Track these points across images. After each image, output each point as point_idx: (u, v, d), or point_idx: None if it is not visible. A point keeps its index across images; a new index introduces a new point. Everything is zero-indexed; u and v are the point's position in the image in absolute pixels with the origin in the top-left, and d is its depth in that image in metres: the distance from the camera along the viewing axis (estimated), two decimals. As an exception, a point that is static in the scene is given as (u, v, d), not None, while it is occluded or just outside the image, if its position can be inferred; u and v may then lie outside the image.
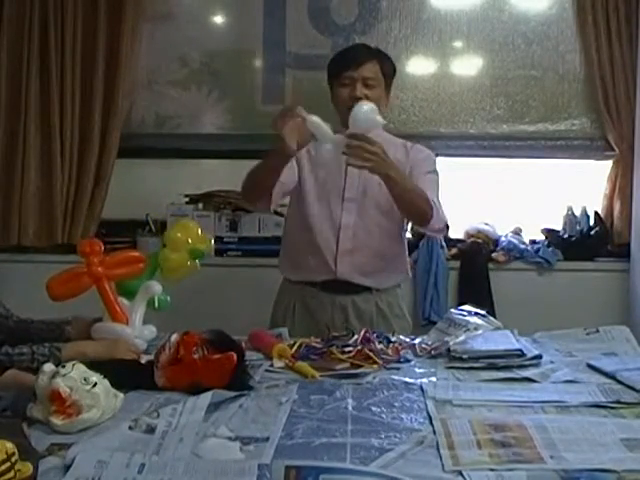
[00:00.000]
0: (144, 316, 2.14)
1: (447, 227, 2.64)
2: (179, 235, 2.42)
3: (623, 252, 3.47)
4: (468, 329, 2.06)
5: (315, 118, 2.06)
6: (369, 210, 2.41)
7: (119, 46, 3.46)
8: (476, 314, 2.17)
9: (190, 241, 2.43)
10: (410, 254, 3.43)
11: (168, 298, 2.29)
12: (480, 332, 2.06)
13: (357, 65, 2.40)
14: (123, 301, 2.16)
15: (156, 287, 2.18)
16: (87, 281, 2.10)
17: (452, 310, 2.29)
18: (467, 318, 2.13)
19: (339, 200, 2.41)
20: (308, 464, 1.23)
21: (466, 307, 2.26)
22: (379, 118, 2.12)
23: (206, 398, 1.53)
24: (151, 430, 1.40)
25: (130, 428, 1.41)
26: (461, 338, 2.03)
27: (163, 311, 2.25)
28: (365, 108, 2.11)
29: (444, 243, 3.50)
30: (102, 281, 2.09)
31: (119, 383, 1.56)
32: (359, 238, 2.41)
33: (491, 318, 2.16)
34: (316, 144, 2.13)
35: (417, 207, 2.30)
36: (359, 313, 2.43)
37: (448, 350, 1.99)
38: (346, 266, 2.41)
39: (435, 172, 2.48)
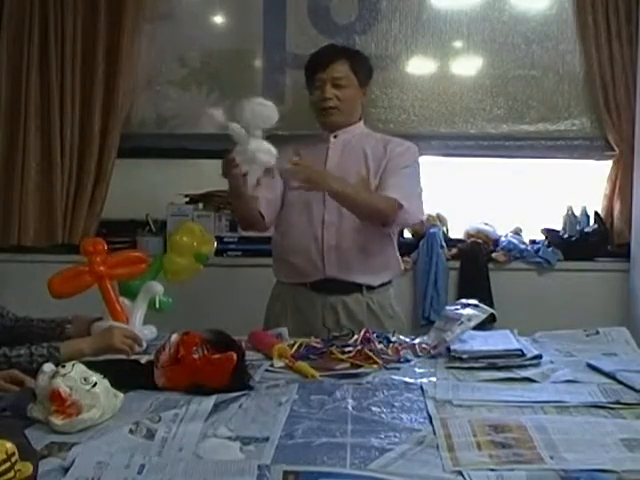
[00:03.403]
0: (145, 317, 2.15)
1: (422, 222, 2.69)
2: (185, 239, 2.42)
3: (623, 252, 3.47)
4: (462, 322, 2.06)
5: (234, 125, 2.12)
6: None
7: (119, 46, 3.45)
8: (468, 305, 2.17)
9: (195, 244, 2.43)
10: (410, 254, 3.45)
11: (170, 300, 2.29)
12: (473, 323, 2.07)
13: (325, 66, 2.41)
14: (124, 301, 2.16)
15: (157, 287, 2.19)
16: (89, 280, 2.10)
17: (446, 307, 2.30)
18: (460, 311, 2.14)
19: (320, 198, 2.42)
20: (307, 469, 1.23)
21: (459, 301, 2.27)
22: (266, 111, 2.14)
23: (208, 405, 1.53)
24: (151, 436, 1.39)
25: (131, 431, 1.40)
26: (457, 332, 2.03)
27: (164, 312, 2.25)
28: (246, 109, 2.13)
29: (444, 243, 3.50)
30: (104, 280, 2.10)
31: (119, 383, 1.56)
32: (343, 234, 2.41)
33: (483, 306, 2.16)
34: (236, 147, 2.17)
35: (373, 212, 2.38)
36: (350, 314, 2.44)
37: (448, 350, 1.99)
38: (333, 263, 2.41)
39: (412, 166, 2.48)
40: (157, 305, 2.21)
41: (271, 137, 2.16)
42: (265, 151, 2.13)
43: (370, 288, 2.47)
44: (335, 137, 2.47)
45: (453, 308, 2.19)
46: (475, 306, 2.16)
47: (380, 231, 2.46)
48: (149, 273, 2.32)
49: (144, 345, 2.01)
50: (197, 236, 2.45)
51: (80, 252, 2.19)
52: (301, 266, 2.45)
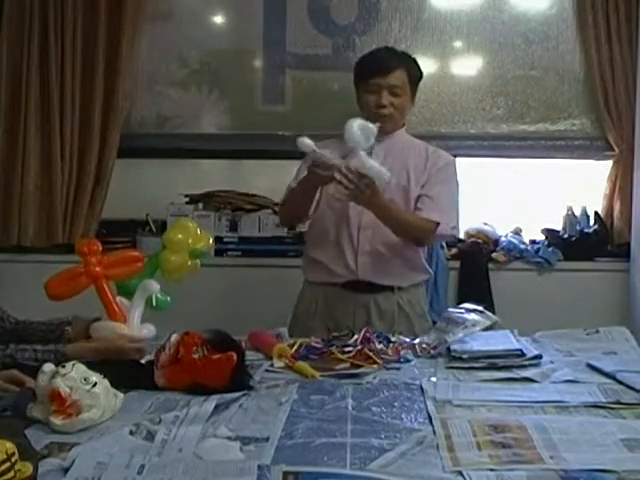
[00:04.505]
0: (144, 316, 2.14)
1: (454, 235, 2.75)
2: (179, 236, 2.41)
3: (623, 252, 3.47)
4: (466, 326, 2.06)
5: (320, 153, 2.19)
6: None
7: (119, 46, 3.45)
8: (473, 311, 2.17)
9: (190, 241, 2.43)
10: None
11: (168, 298, 2.29)
12: (477, 329, 2.07)
13: (385, 73, 2.41)
14: (123, 301, 2.15)
15: (154, 286, 2.18)
16: (85, 281, 2.09)
17: (450, 309, 2.30)
18: (465, 315, 2.13)
19: None
20: (306, 469, 1.23)
21: (464, 305, 2.26)
22: (372, 126, 2.19)
23: (208, 407, 1.53)
24: (151, 437, 1.39)
25: (131, 433, 1.40)
26: (459, 335, 2.03)
27: (162, 310, 2.25)
28: (355, 126, 2.18)
29: (444, 243, 3.50)
30: (100, 281, 2.09)
31: (119, 383, 1.56)
32: (378, 238, 2.43)
33: (488, 313, 2.16)
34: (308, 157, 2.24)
35: (410, 235, 2.44)
36: (381, 312, 2.44)
37: (448, 350, 1.99)
38: (367, 267, 2.42)
39: (450, 182, 2.50)
40: (154, 303, 2.20)
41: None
42: (382, 168, 2.20)
43: (400, 288, 2.48)
44: (378, 142, 2.47)
45: (457, 311, 2.19)
46: (480, 312, 2.15)
47: None
48: (146, 272, 2.31)
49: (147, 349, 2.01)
50: (192, 233, 2.44)
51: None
52: (333, 268, 2.46)
